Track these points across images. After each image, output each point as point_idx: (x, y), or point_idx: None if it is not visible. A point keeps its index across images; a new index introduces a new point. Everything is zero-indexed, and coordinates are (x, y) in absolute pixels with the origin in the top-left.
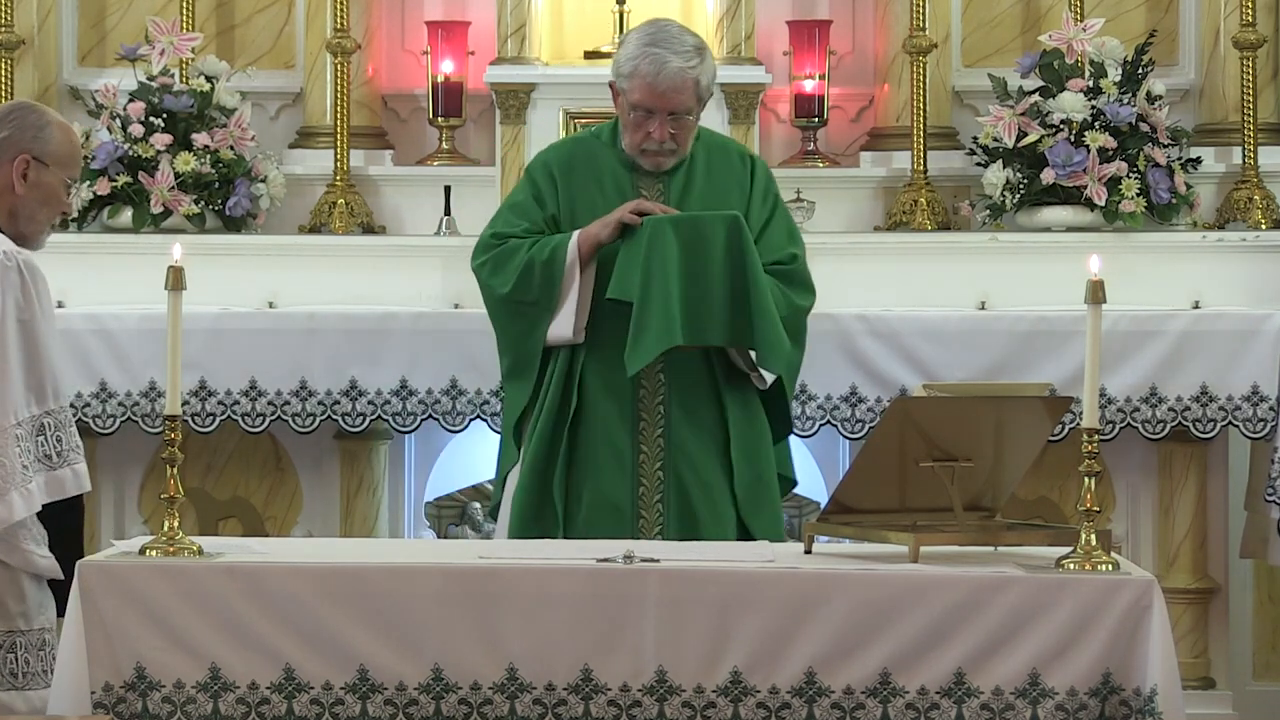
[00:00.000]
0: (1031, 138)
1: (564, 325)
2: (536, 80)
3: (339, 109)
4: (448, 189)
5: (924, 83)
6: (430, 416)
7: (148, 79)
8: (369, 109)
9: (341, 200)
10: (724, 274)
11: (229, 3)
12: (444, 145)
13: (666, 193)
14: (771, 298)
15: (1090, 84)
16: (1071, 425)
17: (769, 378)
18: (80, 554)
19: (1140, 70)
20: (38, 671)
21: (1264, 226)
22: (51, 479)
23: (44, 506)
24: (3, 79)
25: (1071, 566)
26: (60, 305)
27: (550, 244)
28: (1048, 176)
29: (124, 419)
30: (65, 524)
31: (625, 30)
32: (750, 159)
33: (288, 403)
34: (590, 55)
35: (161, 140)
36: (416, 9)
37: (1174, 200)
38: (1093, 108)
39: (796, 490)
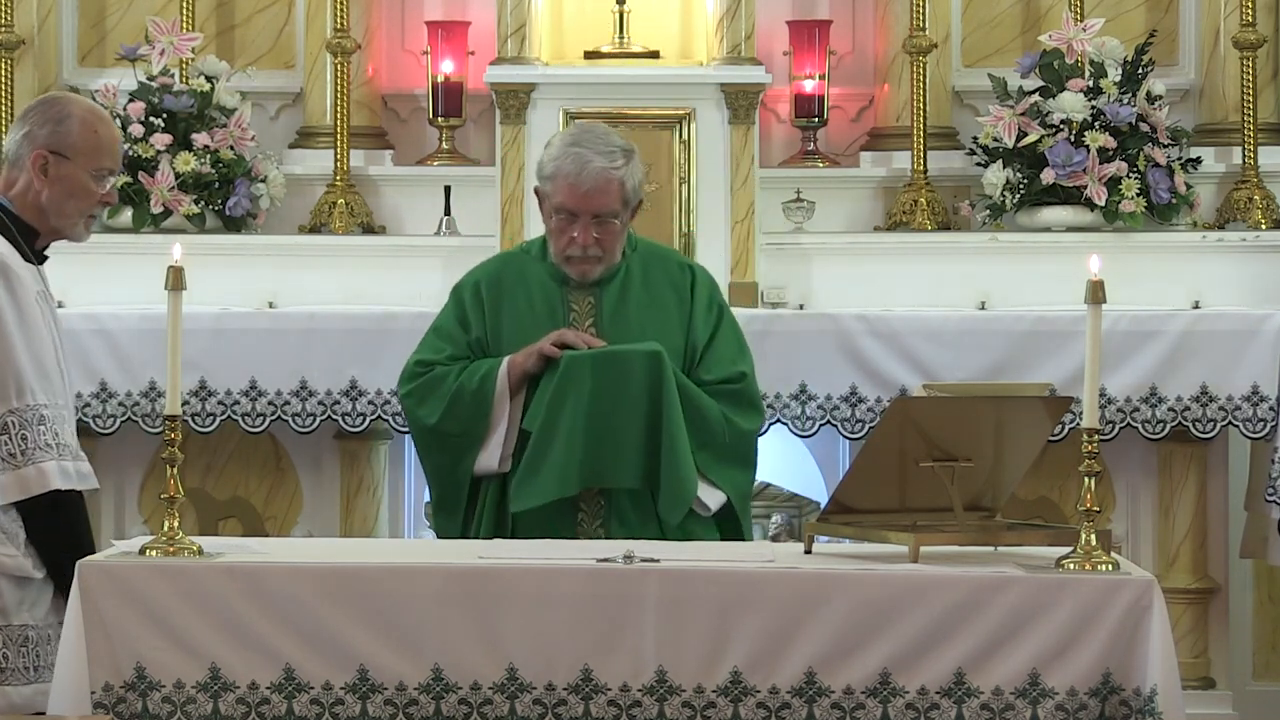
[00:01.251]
0: (1031, 138)
1: (491, 456)
2: (536, 80)
3: (339, 109)
4: (448, 189)
5: (924, 83)
6: None
7: (148, 79)
8: (369, 109)
9: (341, 200)
10: (642, 413)
11: (229, 3)
12: (444, 145)
13: (599, 306)
14: (685, 443)
15: (1090, 84)
16: (1071, 425)
17: (711, 503)
18: (72, 552)
19: (1140, 70)
20: (18, 668)
21: (1264, 226)
22: (14, 478)
23: (28, 505)
24: (3, 79)
25: (1071, 566)
26: (60, 305)
27: (479, 371)
28: (1048, 176)
29: (124, 419)
30: (53, 522)
31: (625, 30)
32: (690, 268)
33: (288, 403)
34: (590, 55)
35: (161, 140)
36: (416, 9)
37: (1174, 200)
38: (1093, 108)
39: (796, 490)
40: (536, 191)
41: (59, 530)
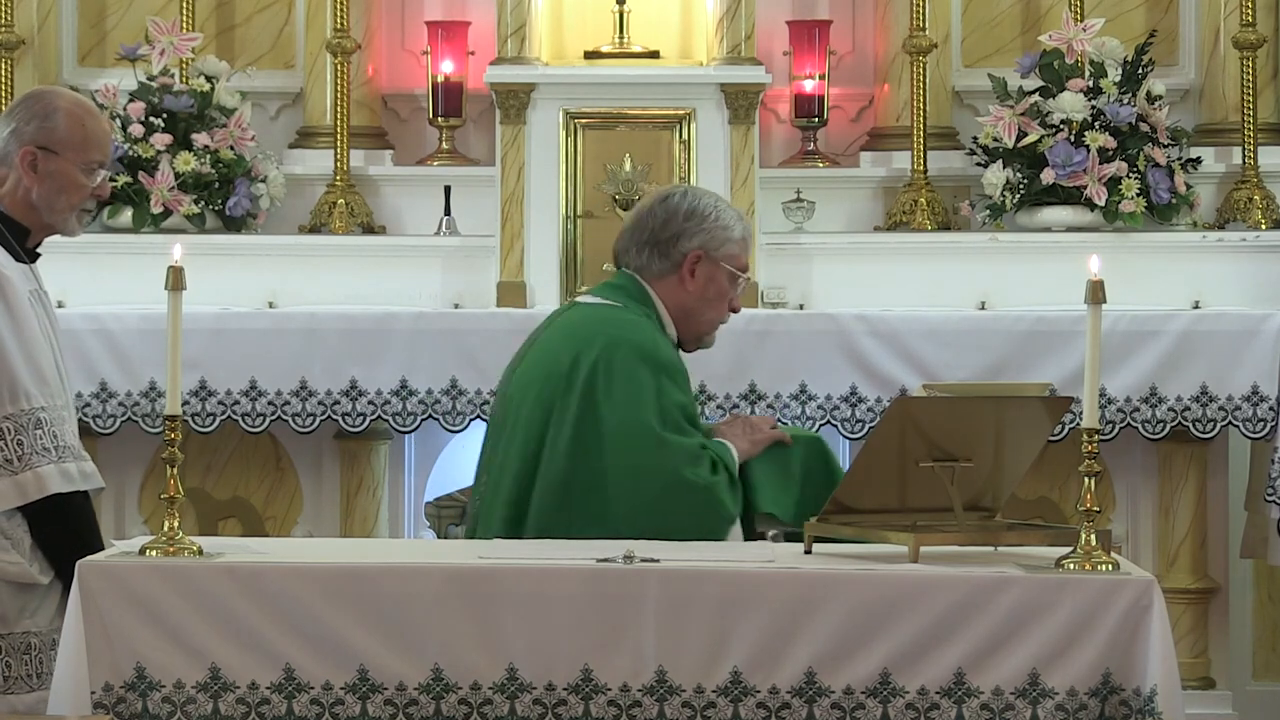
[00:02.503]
0: (1031, 138)
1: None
2: (536, 80)
3: (339, 109)
4: (448, 189)
5: (924, 83)
6: (430, 416)
7: (148, 79)
8: (369, 109)
9: (341, 200)
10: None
11: (229, 3)
12: (444, 145)
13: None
14: None
15: (1090, 84)
16: (1071, 425)
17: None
18: (80, 553)
19: (1140, 70)
20: (20, 676)
21: (1264, 226)
22: (11, 484)
23: (33, 509)
24: (3, 79)
25: (1071, 566)
26: (60, 305)
27: (724, 460)
28: (1048, 176)
29: (124, 419)
30: (59, 525)
31: (625, 30)
32: None
33: (288, 403)
34: (590, 55)
35: (161, 140)
36: (416, 9)
37: (1174, 200)
38: (1093, 108)
39: None
40: (698, 257)
41: (65, 532)
